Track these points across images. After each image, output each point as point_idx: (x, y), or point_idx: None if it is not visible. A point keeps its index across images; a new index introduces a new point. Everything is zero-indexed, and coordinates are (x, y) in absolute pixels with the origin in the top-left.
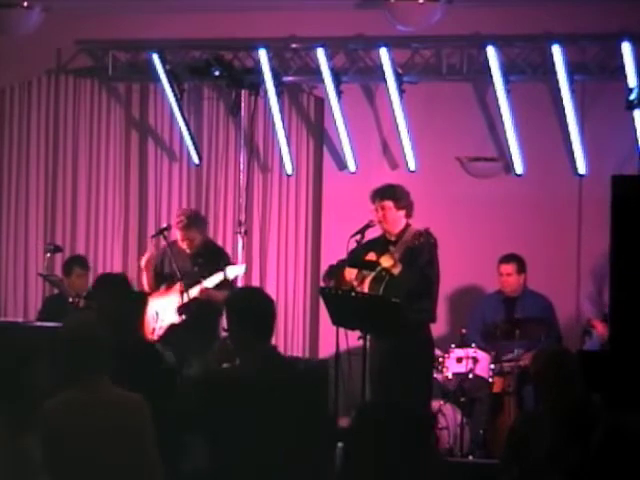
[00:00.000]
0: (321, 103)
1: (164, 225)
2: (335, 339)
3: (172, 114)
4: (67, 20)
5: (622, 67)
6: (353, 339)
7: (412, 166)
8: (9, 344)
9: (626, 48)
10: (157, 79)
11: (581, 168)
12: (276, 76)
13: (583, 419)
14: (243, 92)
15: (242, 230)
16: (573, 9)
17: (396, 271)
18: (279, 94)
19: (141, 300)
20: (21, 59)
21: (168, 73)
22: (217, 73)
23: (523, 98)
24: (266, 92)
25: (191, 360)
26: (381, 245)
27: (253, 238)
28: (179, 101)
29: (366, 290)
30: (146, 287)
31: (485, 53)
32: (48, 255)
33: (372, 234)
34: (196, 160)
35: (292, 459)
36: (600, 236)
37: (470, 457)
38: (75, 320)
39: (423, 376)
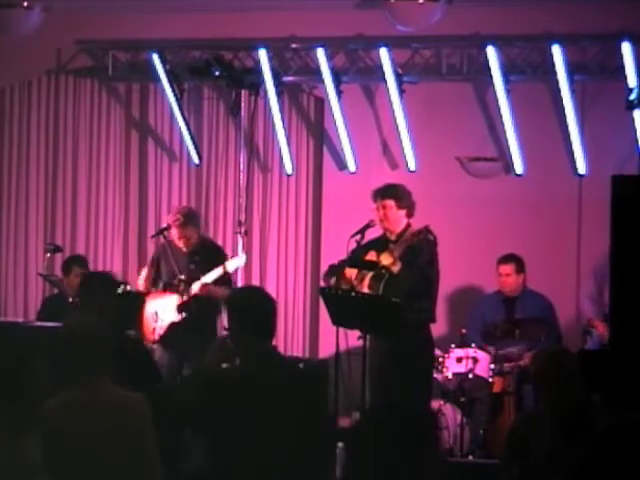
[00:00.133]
0: (321, 103)
1: (164, 225)
2: (335, 339)
3: (172, 114)
4: (67, 20)
5: (622, 67)
6: (353, 339)
7: (412, 166)
8: (9, 344)
9: (626, 48)
10: (157, 79)
11: (581, 168)
12: (276, 76)
13: (583, 419)
14: (243, 92)
15: (242, 230)
16: (573, 9)
17: (395, 269)
18: (279, 94)
19: (129, 298)
20: (21, 59)
21: (168, 73)
22: (217, 73)
23: (523, 98)
24: (266, 92)
25: (191, 359)
26: (382, 245)
27: (253, 238)
28: (179, 101)
29: (365, 288)
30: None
31: (485, 53)
32: (48, 255)
33: (372, 234)
34: (196, 160)
35: (292, 459)
36: (600, 236)
37: (470, 457)
38: (75, 320)
39: (423, 376)
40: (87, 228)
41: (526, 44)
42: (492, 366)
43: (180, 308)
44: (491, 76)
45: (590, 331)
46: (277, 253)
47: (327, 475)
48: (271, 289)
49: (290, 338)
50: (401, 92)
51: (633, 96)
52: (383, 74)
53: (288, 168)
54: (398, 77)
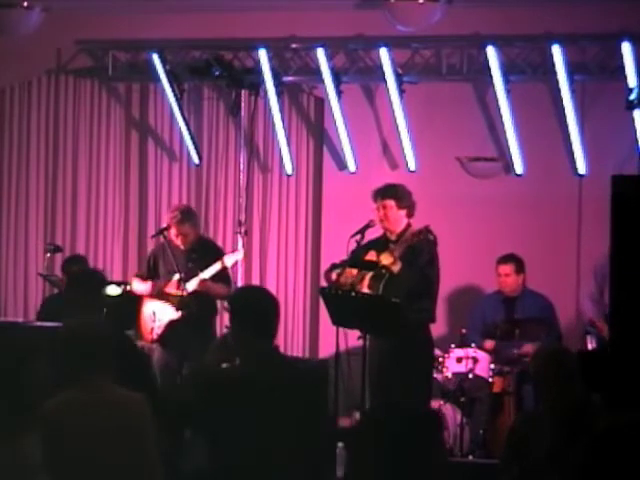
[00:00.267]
0: (321, 103)
1: (164, 225)
2: (335, 339)
3: (172, 114)
4: (67, 20)
5: (622, 67)
6: (353, 339)
7: (412, 166)
8: (9, 344)
9: (626, 48)
10: (157, 79)
11: (581, 168)
12: (276, 76)
13: (583, 419)
14: (243, 92)
15: (242, 230)
16: (573, 9)
17: (395, 269)
18: (279, 94)
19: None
20: (21, 59)
21: (168, 73)
22: (217, 73)
23: (523, 98)
24: (266, 92)
25: (190, 359)
26: (382, 245)
27: (253, 238)
28: (179, 101)
29: (365, 288)
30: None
31: (485, 53)
32: (48, 255)
33: (372, 234)
34: (196, 160)
35: (292, 459)
36: (600, 236)
37: (470, 457)
38: (75, 320)
39: (423, 376)
40: (87, 228)
41: (526, 44)
42: (492, 366)
43: (179, 306)
44: (491, 76)
45: (591, 331)
46: (277, 253)
47: (327, 475)
48: (271, 289)
49: (290, 338)
50: (401, 92)
51: (633, 96)
52: (383, 74)
53: (288, 168)
54: (398, 77)
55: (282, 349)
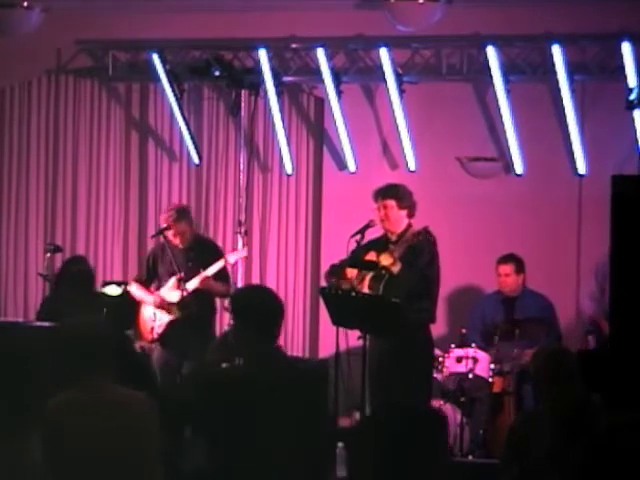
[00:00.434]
0: (321, 103)
1: (164, 225)
2: (335, 339)
3: (172, 114)
4: (67, 20)
5: (622, 67)
6: (353, 339)
7: (412, 166)
8: (9, 344)
9: (626, 48)
10: (157, 79)
11: (581, 168)
12: (276, 76)
13: (583, 419)
14: (243, 92)
15: (242, 230)
16: (573, 9)
17: (395, 269)
18: (279, 94)
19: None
20: (21, 59)
21: (168, 73)
22: (217, 73)
23: (523, 98)
24: (266, 92)
25: (190, 359)
26: (382, 245)
27: (253, 238)
28: (179, 101)
29: (365, 288)
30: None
31: (485, 53)
32: (48, 255)
33: (372, 234)
34: (196, 160)
35: (292, 459)
36: (600, 236)
37: (470, 457)
38: (76, 320)
39: (423, 376)
40: (87, 228)
41: (526, 44)
42: (492, 366)
43: (180, 305)
44: (491, 76)
45: (593, 331)
46: (277, 253)
47: (327, 475)
48: None
49: (290, 338)
50: (401, 92)
51: (633, 96)
52: (383, 74)
53: (288, 168)
54: (398, 77)
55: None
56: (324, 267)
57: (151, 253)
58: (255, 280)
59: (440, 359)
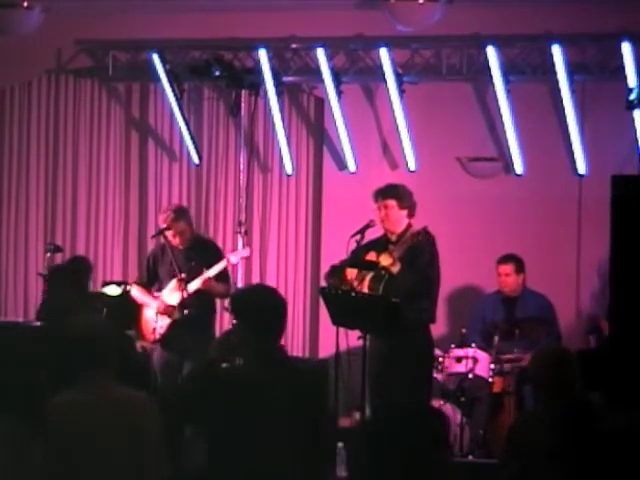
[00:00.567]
0: (321, 103)
1: (164, 225)
2: (335, 339)
3: (172, 114)
4: (67, 20)
5: (622, 67)
6: (353, 339)
7: (412, 166)
8: (9, 344)
9: (626, 48)
10: (157, 79)
11: (581, 168)
12: (276, 76)
13: (583, 419)
14: (243, 92)
15: (242, 230)
16: (573, 9)
17: (395, 270)
18: (279, 94)
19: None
20: (21, 59)
21: (168, 73)
22: (217, 73)
23: (523, 98)
24: (266, 92)
25: (191, 359)
26: (382, 245)
27: (253, 238)
28: (179, 101)
29: (365, 289)
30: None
31: (485, 53)
32: (48, 255)
33: (372, 234)
34: (196, 160)
35: (292, 459)
36: (600, 236)
37: (470, 457)
38: (78, 320)
39: (423, 376)
40: (87, 228)
41: (526, 44)
42: (492, 366)
43: (181, 305)
44: (491, 76)
45: (594, 330)
46: (277, 253)
47: (327, 475)
48: None
49: (290, 338)
50: (401, 92)
51: (633, 96)
52: (383, 74)
53: (288, 168)
54: (398, 77)
55: None
56: (324, 267)
57: (151, 254)
58: (255, 280)
59: (440, 359)
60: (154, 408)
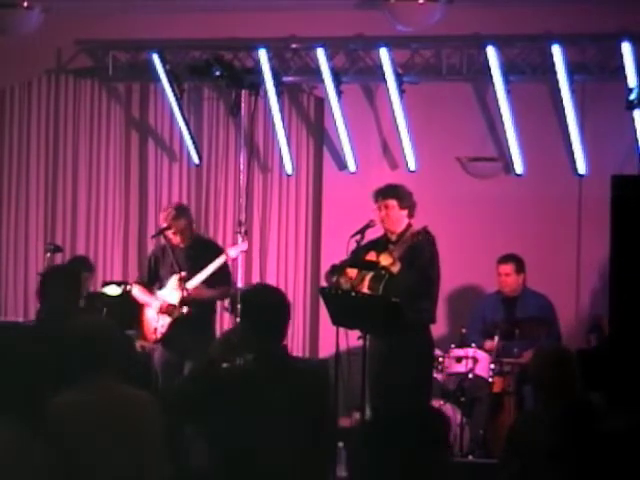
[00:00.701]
0: (321, 103)
1: (164, 225)
2: (335, 339)
3: (172, 114)
4: (67, 20)
5: (622, 67)
6: (353, 339)
7: (412, 166)
8: (9, 344)
9: (626, 48)
10: (157, 79)
11: (581, 168)
12: (276, 76)
13: (583, 419)
14: (243, 92)
15: (242, 230)
16: (573, 9)
17: (395, 269)
18: (279, 94)
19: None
20: (21, 59)
21: (168, 73)
22: (217, 73)
23: (523, 98)
24: (266, 92)
25: (192, 359)
26: (382, 245)
27: (253, 238)
28: (179, 101)
29: (365, 288)
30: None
31: (485, 53)
32: (48, 255)
33: (372, 234)
34: (196, 160)
35: (293, 459)
36: (600, 236)
37: (470, 457)
38: (81, 320)
39: (423, 376)
40: (87, 228)
41: (526, 44)
42: (492, 366)
43: (181, 303)
44: (491, 76)
45: (595, 329)
46: (277, 253)
47: (328, 475)
48: None
49: (290, 338)
50: (401, 92)
51: (633, 96)
52: (383, 74)
53: (288, 168)
54: (398, 77)
55: None
56: (324, 267)
57: (152, 254)
58: (255, 280)
59: (440, 359)
60: (156, 408)
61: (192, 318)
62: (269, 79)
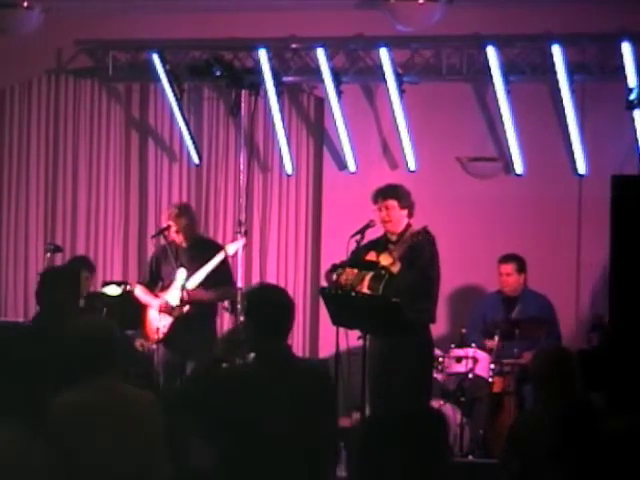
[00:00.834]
0: (321, 103)
1: (164, 225)
2: (335, 339)
3: (172, 114)
4: (67, 20)
5: (622, 67)
6: (353, 339)
7: (412, 166)
8: (9, 344)
9: (626, 48)
10: (157, 79)
11: (581, 168)
12: (276, 76)
13: (583, 419)
14: (243, 92)
15: (242, 230)
16: (573, 9)
17: (395, 269)
18: (279, 94)
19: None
20: (21, 59)
21: (168, 73)
22: (217, 73)
23: (523, 98)
24: (266, 92)
25: (194, 359)
26: (382, 245)
27: (253, 238)
28: (179, 101)
29: (365, 288)
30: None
31: (485, 53)
32: (48, 255)
33: (372, 234)
34: (196, 160)
35: (295, 458)
36: (600, 236)
37: (470, 457)
38: (82, 320)
39: (423, 376)
40: (87, 228)
41: (526, 44)
42: (492, 366)
43: (182, 302)
44: (491, 76)
45: (597, 328)
46: (277, 253)
47: (329, 475)
48: None
49: (290, 338)
50: (401, 92)
51: (633, 96)
52: (383, 74)
53: (288, 168)
54: (398, 77)
55: None
56: (324, 267)
57: (153, 256)
58: (255, 280)
59: (440, 359)
60: (156, 407)
61: (194, 318)
62: (269, 79)
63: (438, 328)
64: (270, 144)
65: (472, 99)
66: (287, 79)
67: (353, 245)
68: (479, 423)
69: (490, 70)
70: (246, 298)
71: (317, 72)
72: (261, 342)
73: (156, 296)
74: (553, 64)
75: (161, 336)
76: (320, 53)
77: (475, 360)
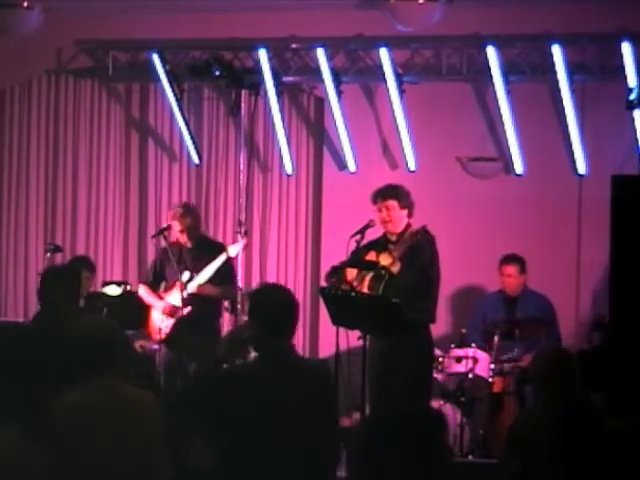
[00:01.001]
0: (321, 103)
1: (164, 225)
2: (335, 339)
3: (172, 114)
4: (67, 20)
5: (622, 67)
6: (353, 339)
7: (412, 166)
8: (9, 344)
9: (626, 48)
10: (157, 79)
11: (581, 168)
12: (276, 76)
13: (583, 419)
14: (243, 92)
15: (242, 230)
16: (573, 9)
17: (395, 269)
18: (279, 94)
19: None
20: (21, 59)
21: (168, 73)
22: (217, 73)
23: (523, 98)
24: (266, 92)
25: (196, 359)
26: (381, 245)
27: (253, 238)
28: (179, 101)
29: (365, 289)
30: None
31: (485, 53)
32: (48, 255)
33: (372, 234)
34: (196, 160)
35: (297, 458)
36: (600, 236)
37: (470, 457)
38: (83, 319)
39: (423, 376)
40: (87, 228)
41: (526, 44)
42: (492, 366)
43: (185, 302)
44: (491, 76)
45: (599, 327)
46: (277, 253)
47: (333, 475)
48: None
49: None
50: (401, 92)
51: (633, 96)
52: (383, 74)
53: (288, 168)
54: (398, 77)
55: None
56: (324, 267)
57: (157, 258)
58: (255, 280)
59: (440, 359)
60: (157, 407)
61: (196, 319)
62: (269, 79)
63: (438, 328)
64: (270, 144)
65: (472, 99)
66: (287, 79)
67: (353, 245)
68: (479, 423)
69: (490, 70)
70: (250, 298)
71: (317, 72)
72: (265, 342)
73: (159, 297)
74: (553, 64)
75: (163, 336)
76: (320, 53)
77: (475, 360)
